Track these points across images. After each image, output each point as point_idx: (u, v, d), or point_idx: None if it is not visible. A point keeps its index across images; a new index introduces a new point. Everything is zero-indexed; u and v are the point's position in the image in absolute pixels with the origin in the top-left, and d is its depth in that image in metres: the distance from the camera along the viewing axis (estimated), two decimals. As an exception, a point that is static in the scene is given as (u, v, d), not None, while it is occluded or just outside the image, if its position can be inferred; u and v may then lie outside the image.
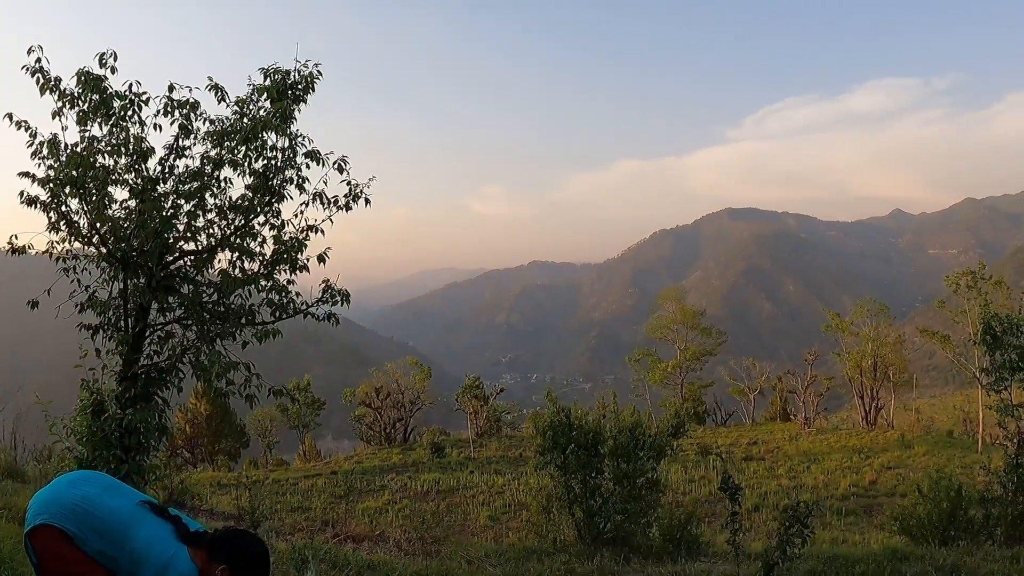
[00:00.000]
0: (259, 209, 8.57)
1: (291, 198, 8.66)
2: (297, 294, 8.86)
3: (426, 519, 17.05)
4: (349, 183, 8.68)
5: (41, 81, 7.95)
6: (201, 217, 8.53)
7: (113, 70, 7.97)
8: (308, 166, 8.59)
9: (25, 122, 7.99)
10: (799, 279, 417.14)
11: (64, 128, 8.09)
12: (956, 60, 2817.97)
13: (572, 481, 13.03)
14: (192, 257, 8.63)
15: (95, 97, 7.94)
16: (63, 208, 8.17)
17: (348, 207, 8.74)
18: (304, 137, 8.53)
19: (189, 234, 8.51)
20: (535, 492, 15.71)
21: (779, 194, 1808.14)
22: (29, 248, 8.31)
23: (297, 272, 8.72)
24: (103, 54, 7.91)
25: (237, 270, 8.64)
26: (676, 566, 10.83)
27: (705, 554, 12.46)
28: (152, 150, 8.24)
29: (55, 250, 8.39)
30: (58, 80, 7.99)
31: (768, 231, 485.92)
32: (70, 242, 8.39)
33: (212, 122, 8.38)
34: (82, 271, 8.52)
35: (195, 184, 8.30)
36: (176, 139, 8.36)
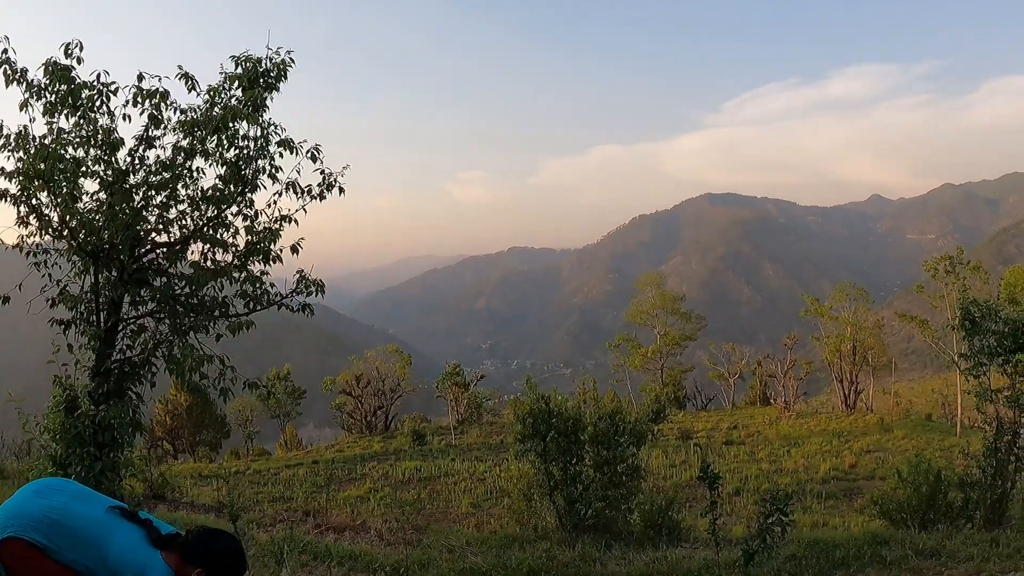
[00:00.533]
0: (232, 199, 8.43)
1: (264, 188, 8.53)
2: (272, 285, 8.74)
3: (406, 509, 17.00)
4: (323, 172, 8.56)
5: (8, 72, 7.79)
6: (173, 208, 8.39)
7: (79, 60, 7.81)
8: (281, 155, 8.43)
9: None
10: (778, 264, 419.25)
11: (32, 120, 7.93)
12: (935, 47, 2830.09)
13: (553, 468, 13.02)
14: (165, 249, 8.49)
15: (63, 88, 7.77)
16: (33, 202, 8.02)
17: (322, 196, 8.60)
18: (277, 126, 8.39)
19: (161, 226, 8.38)
20: (516, 479, 15.69)
21: (758, 179, 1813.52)
22: (-1, 243, 8.18)
23: (271, 263, 8.59)
24: (69, 44, 7.74)
25: (209, 262, 8.52)
26: (657, 552, 10.83)
27: (686, 539, 12.49)
28: (122, 141, 8.07)
29: (25, 244, 8.24)
30: (24, 71, 7.83)
31: (747, 216, 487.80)
32: (41, 236, 8.24)
33: (183, 112, 8.22)
34: (52, 265, 8.38)
35: (166, 175, 8.16)
36: (146, 129, 8.19)
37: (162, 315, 8.47)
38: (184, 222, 8.50)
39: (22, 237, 8.22)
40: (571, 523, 12.72)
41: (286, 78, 8.35)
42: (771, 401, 52.29)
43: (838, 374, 47.67)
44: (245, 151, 8.32)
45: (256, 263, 8.60)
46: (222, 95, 8.20)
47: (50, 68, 7.73)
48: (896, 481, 13.98)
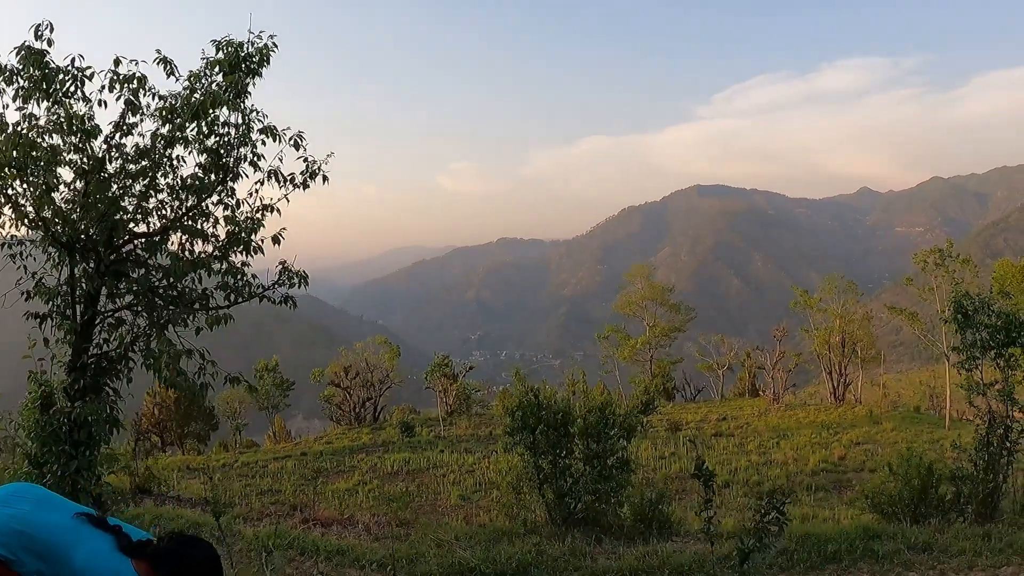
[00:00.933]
0: (212, 188, 8.21)
1: (246, 176, 8.32)
2: (254, 276, 8.55)
3: (394, 504, 16.86)
4: (306, 160, 8.35)
5: (-21, 59, 7.55)
6: (152, 197, 8.17)
7: (50, 43, 7.53)
8: (263, 143, 8.21)
9: None
10: (767, 255, 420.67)
11: (5, 107, 7.69)
12: (925, 40, 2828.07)
13: (542, 461, 12.91)
14: (143, 240, 8.27)
15: (36, 73, 7.51)
16: (9, 192, 7.79)
17: (306, 185, 8.39)
18: (259, 112, 8.16)
19: (139, 215, 8.15)
20: (505, 472, 15.58)
21: (748, 171, 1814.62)
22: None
23: (252, 254, 8.39)
24: (39, 25, 7.46)
25: (187, 252, 8.31)
26: (648, 546, 10.74)
27: (677, 533, 12.39)
28: (98, 128, 7.85)
29: (-1, 236, 8.02)
30: (-6, 56, 7.58)
31: (737, 208, 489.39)
32: (16, 227, 8.00)
33: (162, 98, 7.98)
34: (27, 257, 8.14)
35: (144, 163, 7.93)
36: (123, 116, 7.93)
37: (140, 308, 8.25)
38: (163, 212, 8.28)
39: (-4, 228, 7.99)
40: (561, 517, 12.62)
41: (269, 63, 8.13)
42: (760, 393, 52.37)
43: (827, 366, 47.77)
44: (226, 138, 8.10)
45: (237, 254, 8.40)
46: (203, 81, 7.95)
47: (23, 52, 7.47)
48: (887, 474, 13.91)
